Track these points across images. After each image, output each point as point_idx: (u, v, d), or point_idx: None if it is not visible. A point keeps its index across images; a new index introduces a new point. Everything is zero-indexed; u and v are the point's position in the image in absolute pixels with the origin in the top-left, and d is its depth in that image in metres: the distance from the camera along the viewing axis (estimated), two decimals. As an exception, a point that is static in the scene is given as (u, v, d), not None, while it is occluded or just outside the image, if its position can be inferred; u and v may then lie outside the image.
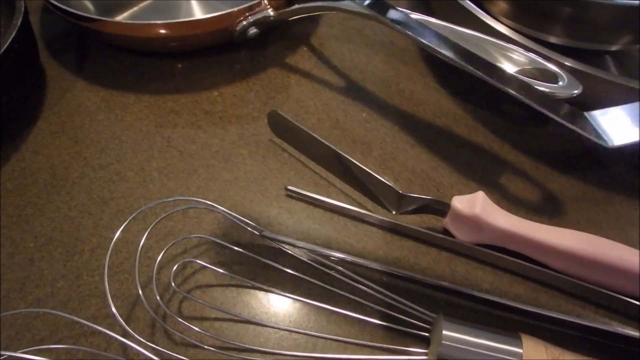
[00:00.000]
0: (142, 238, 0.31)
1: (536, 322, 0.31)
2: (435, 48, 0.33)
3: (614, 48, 0.44)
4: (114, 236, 0.32)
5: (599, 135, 0.31)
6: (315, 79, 0.45)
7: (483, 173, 0.39)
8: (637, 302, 0.31)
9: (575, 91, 0.30)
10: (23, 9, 0.41)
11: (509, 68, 0.32)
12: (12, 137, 0.40)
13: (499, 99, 0.43)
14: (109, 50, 0.47)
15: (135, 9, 0.51)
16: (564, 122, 0.31)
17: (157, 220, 0.32)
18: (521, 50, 0.33)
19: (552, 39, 0.44)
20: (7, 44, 0.38)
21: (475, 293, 0.31)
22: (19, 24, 0.39)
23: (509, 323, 0.31)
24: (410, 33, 0.36)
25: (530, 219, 0.34)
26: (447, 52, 0.33)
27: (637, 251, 0.31)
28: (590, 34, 0.43)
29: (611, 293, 0.32)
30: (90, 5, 0.50)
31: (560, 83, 0.30)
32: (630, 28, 0.40)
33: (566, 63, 0.34)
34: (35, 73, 0.45)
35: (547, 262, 0.33)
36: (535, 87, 0.30)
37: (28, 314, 0.31)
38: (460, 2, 0.39)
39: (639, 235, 0.35)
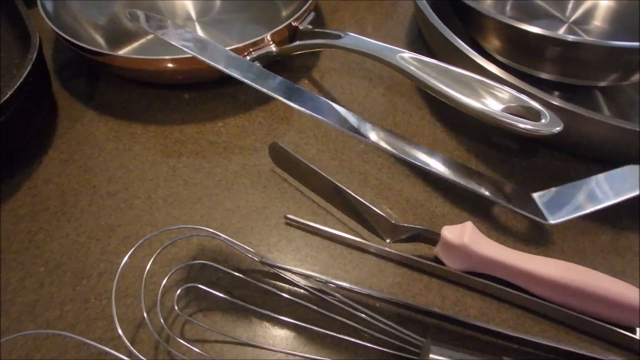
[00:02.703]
0: (147, 264, 0.33)
1: (521, 347, 0.32)
2: (428, 85, 0.36)
3: (602, 84, 0.46)
4: (120, 262, 0.33)
5: (541, 214, 0.36)
6: (315, 111, 0.47)
7: (474, 203, 0.40)
8: (618, 329, 0.33)
9: (557, 128, 0.32)
10: (38, 43, 0.43)
11: (496, 105, 0.34)
12: (25, 165, 0.42)
13: (490, 132, 0.45)
14: (118, 81, 0.50)
15: (143, 41, 0.54)
16: (509, 205, 0.36)
17: (162, 247, 0.33)
18: (507, 88, 0.34)
19: (544, 75, 0.46)
20: (22, 78, 0.40)
21: (463, 318, 0.32)
22: (34, 58, 0.42)
23: (495, 348, 0.33)
24: (404, 70, 0.38)
25: (519, 248, 0.36)
26: (438, 89, 0.35)
27: (617, 280, 0.32)
28: (579, 71, 0.45)
29: (592, 320, 0.33)
30: (99, 38, 0.53)
31: (543, 120, 0.32)
32: (616, 67, 0.42)
33: (552, 101, 0.36)
34: (47, 103, 0.47)
35: (532, 289, 0.34)
36: (519, 124, 0.32)
37: (38, 335, 0.32)
38: (450, 40, 0.42)
39: (621, 264, 0.37)
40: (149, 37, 0.54)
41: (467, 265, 0.35)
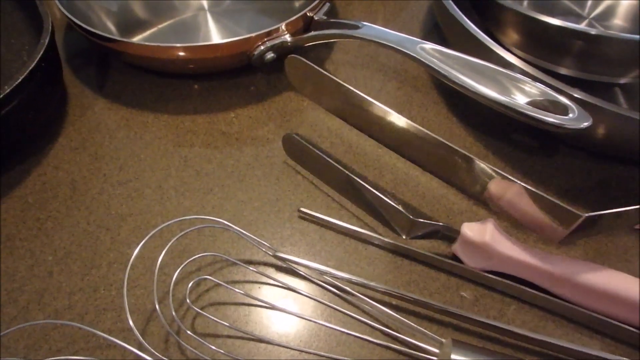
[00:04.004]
0: (159, 254, 0.32)
1: (543, 349, 0.31)
2: (450, 78, 0.35)
3: (623, 81, 0.45)
4: (131, 252, 0.33)
5: None
6: (330, 104, 0.46)
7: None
8: (642, 333, 0.32)
9: (585, 123, 0.31)
10: (50, 28, 0.42)
11: (521, 99, 0.33)
12: (35, 152, 0.42)
13: (509, 129, 0.44)
14: (129, 69, 0.49)
15: (154, 29, 0.53)
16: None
17: (174, 238, 0.33)
18: (533, 82, 0.33)
19: (563, 71, 0.45)
20: (35, 62, 0.39)
21: (482, 319, 0.31)
22: (46, 43, 0.41)
23: (515, 350, 0.32)
24: (424, 62, 0.37)
25: (539, 248, 0.35)
26: (461, 83, 0.34)
27: (643, 282, 0.32)
28: (600, 66, 0.44)
29: (617, 323, 0.32)
30: (111, 26, 0.52)
31: (571, 115, 0.31)
32: (638, 62, 0.41)
33: (576, 95, 0.35)
34: (58, 90, 0.47)
35: (554, 290, 0.33)
36: (546, 118, 0.31)
37: (46, 325, 0.31)
38: (472, 32, 0.40)
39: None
40: (161, 25, 0.53)
41: (487, 264, 0.34)
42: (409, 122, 0.38)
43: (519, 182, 0.33)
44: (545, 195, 0.32)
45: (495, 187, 0.35)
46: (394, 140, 0.41)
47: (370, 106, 0.39)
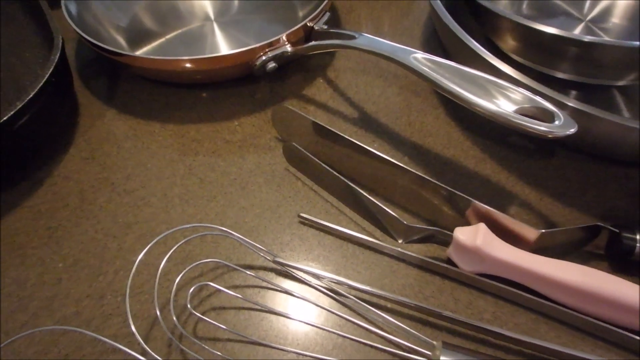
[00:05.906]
0: (162, 261, 0.33)
1: (535, 352, 0.32)
2: (441, 86, 0.36)
3: (620, 83, 0.46)
4: (136, 259, 0.34)
5: None
6: (331, 110, 0.47)
7: (489, 204, 0.40)
8: (636, 336, 0.32)
9: (571, 130, 0.31)
10: (61, 44, 0.44)
11: (509, 106, 0.33)
12: (47, 162, 0.43)
13: (506, 132, 0.45)
14: (139, 80, 0.50)
15: (162, 40, 0.54)
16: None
17: (177, 245, 0.34)
18: (521, 89, 0.34)
19: (560, 75, 0.46)
20: (45, 78, 0.41)
21: (475, 322, 0.32)
22: (56, 59, 0.43)
23: (508, 353, 0.32)
24: (417, 70, 0.38)
25: (534, 251, 0.36)
26: (450, 90, 0.35)
27: (637, 286, 0.32)
28: (596, 70, 0.44)
29: (610, 326, 0.32)
30: (120, 39, 0.54)
31: (557, 122, 0.32)
32: (634, 66, 0.42)
33: (568, 103, 0.36)
34: (69, 102, 0.48)
35: (547, 293, 0.34)
36: (532, 125, 0.31)
37: (54, 330, 0.33)
38: (464, 41, 0.41)
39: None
40: (169, 36, 0.55)
41: (480, 268, 0.34)
42: (406, 167, 0.38)
43: (485, 205, 0.35)
44: (507, 216, 0.35)
45: (469, 213, 0.37)
46: (386, 189, 0.41)
47: (362, 152, 0.39)
